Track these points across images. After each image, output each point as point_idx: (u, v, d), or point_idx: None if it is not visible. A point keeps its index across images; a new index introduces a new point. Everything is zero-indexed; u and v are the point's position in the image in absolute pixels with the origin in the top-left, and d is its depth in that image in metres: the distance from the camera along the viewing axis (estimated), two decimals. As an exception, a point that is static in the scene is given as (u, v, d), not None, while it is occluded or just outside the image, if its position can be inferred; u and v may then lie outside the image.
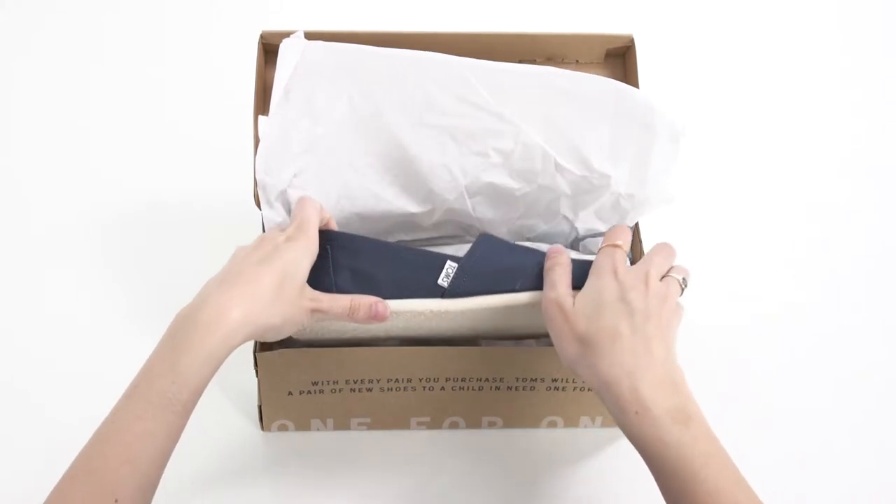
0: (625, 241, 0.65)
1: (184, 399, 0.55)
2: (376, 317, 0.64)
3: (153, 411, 0.55)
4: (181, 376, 0.55)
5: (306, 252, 0.63)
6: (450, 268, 0.66)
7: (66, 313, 0.87)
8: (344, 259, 0.66)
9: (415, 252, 0.68)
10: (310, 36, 0.73)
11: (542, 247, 0.71)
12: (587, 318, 0.60)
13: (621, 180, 0.73)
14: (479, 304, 0.66)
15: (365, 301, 0.64)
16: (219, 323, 0.57)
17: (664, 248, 0.65)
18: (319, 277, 0.65)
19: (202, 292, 0.60)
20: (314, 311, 0.63)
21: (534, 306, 0.66)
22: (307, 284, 0.63)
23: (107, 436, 0.55)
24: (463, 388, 0.75)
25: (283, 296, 0.60)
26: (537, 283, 0.66)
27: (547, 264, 0.65)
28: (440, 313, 0.66)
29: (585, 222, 0.76)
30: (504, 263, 0.67)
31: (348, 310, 0.64)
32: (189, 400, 0.56)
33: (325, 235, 0.66)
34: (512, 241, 0.71)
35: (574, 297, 0.62)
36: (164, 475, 0.77)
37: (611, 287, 0.60)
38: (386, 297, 0.65)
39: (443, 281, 0.66)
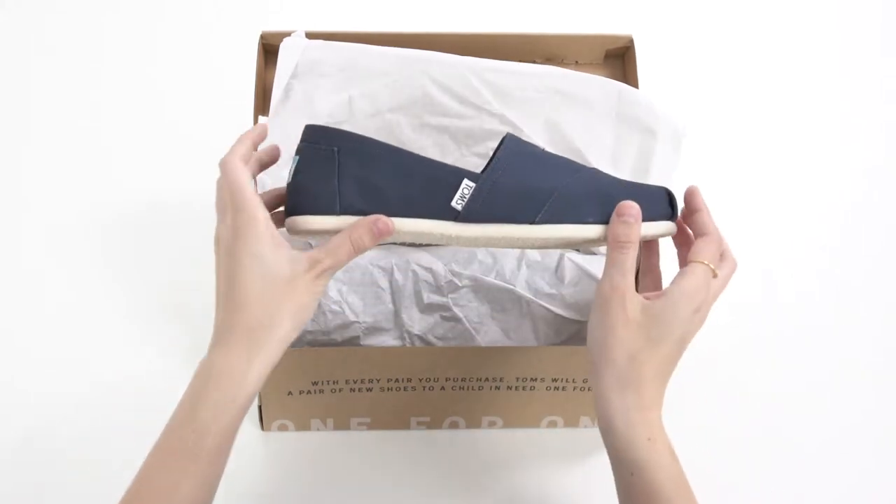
0: (714, 258, 0.61)
1: (207, 447, 0.54)
2: (381, 234, 0.58)
3: (177, 462, 0.54)
4: (200, 425, 0.54)
5: (256, 232, 0.56)
6: (466, 188, 0.60)
7: (66, 313, 0.86)
8: (352, 166, 0.59)
9: (430, 165, 0.61)
10: (310, 36, 0.73)
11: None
12: (648, 340, 0.57)
13: (622, 183, 0.73)
14: (493, 233, 0.61)
15: (363, 228, 0.58)
16: (229, 370, 0.55)
17: (734, 267, 0.63)
18: (322, 186, 0.59)
19: (214, 330, 0.58)
20: (320, 275, 0.57)
21: (549, 242, 0.61)
22: (289, 248, 0.57)
23: (136, 491, 0.54)
24: (463, 388, 0.75)
25: (277, 299, 0.56)
26: (561, 215, 0.60)
27: (616, 234, 0.59)
28: (450, 237, 0.61)
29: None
30: (529, 182, 0.60)
31: (352, 251, 0.58)
32: (214, 447, 0.54)
33: (333, 134, 0.60)
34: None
35: (640, 292, 0.58)
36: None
37: (684, 325, 0.58)
38: (393, 213, 0.59)
39: (457, 203, 0.60)
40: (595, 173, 0.63)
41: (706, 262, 0.60)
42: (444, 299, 0.78)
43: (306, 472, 0.78)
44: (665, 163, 0.73)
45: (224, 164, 0.59)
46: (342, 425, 0.79)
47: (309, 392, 0.74)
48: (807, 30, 1.13)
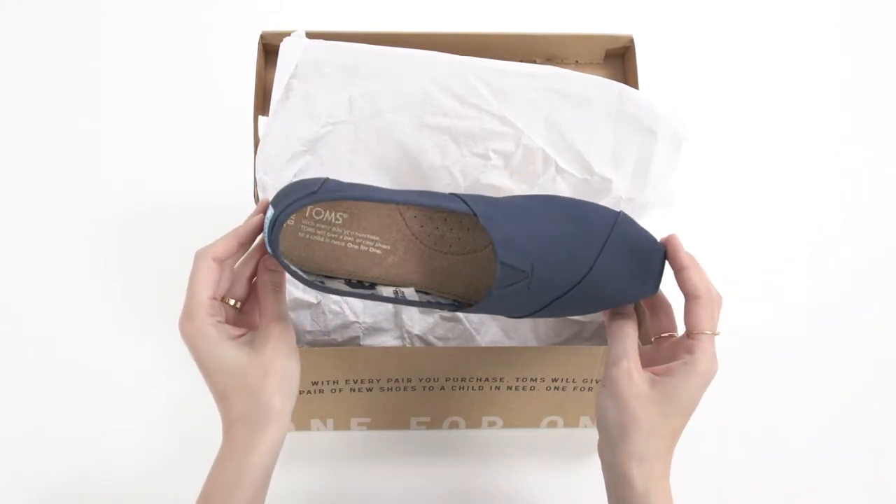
0: (714, 322, 0.59)
1: None
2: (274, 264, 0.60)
3: None
4: (209, 502, 0.57)
5: (205, 336, 0.57)
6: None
7: (65, 313, 0.87)
8: None
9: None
10: (310, 36, 0.73)
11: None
12: (662, 415, 0.57)
13: (622, 184, 0.73)
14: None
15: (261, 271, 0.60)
16: (232, 453, 0.57)
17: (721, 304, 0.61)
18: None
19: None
20: (280, 337, 0.59)
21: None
22: (241, 335, 0.59)
23: None
24: (463, 388, 0.75)
25: (253, 386, 0.57)
26: (552, 314, 0.61)
27: (612, 329, 0.61)
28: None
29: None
30: (519, 308, 0.61)
31: (274, 292, 0.60)
32: None
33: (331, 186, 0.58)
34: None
35: (643, 368, 0.59)
36: (162, 475, 0.78)
37: (697, 400, 0.58)
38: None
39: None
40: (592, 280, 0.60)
41: (709, 332, 0.58)
42: (445, 299, 0.78)
43: (306, 472, 0.78)
44: (665, 163, 0.73)
45: (195, 258, 0.58)
46: (342, 425, 0.79)
47: (309, 392, 0.74)
48: (807, 30, 1.13)
